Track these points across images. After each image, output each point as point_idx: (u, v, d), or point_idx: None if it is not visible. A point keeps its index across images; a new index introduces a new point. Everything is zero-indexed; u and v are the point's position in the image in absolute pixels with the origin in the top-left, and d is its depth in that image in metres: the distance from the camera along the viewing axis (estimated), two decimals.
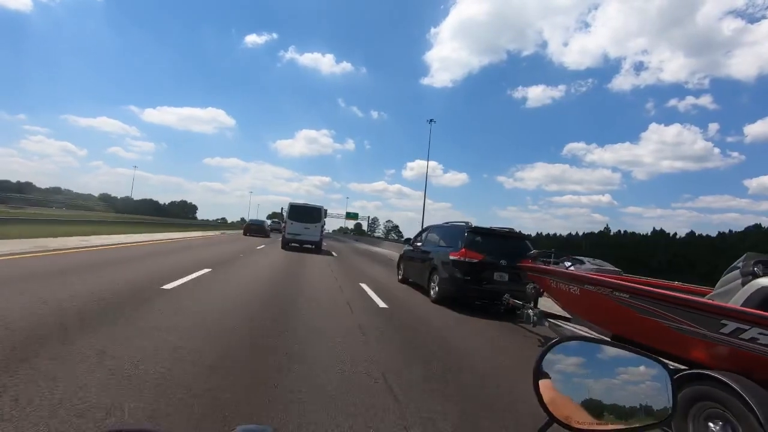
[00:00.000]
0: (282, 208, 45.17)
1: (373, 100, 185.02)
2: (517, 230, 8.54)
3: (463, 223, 8.40)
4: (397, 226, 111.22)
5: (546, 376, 0.68)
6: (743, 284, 3.10)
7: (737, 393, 2.32)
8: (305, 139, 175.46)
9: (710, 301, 3.13)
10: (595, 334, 3.64)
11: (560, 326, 5.21)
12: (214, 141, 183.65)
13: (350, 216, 79.40)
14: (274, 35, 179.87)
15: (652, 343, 3.35)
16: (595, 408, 0.66)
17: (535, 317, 5.40)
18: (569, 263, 5.72)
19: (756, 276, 3.43)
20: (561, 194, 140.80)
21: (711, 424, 2.48)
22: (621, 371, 0.71)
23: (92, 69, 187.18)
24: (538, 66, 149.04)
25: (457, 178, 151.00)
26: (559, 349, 0.70)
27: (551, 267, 5.31)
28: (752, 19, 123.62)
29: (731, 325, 2.64)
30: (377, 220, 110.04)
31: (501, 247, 7.66)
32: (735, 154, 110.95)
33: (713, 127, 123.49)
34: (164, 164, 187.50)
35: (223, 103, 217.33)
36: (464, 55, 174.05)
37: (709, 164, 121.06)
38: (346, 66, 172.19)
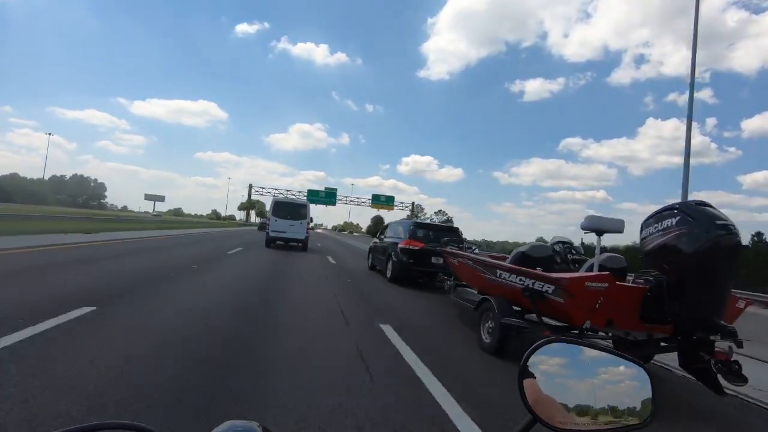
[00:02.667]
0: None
1: (368, 93, 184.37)
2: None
3: (411, 220, 11.00)
4: (450, 220, 74.36)
5: (531, 376, 0.71)
6: None
7: (491, 303, 4.61)
8: (299, 133, 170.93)
9: (493, 261, 5.43)
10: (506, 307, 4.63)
11: (461, 290, 6.65)
12: (206, 135, 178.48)
13: (380, 202, 56.80)
14: (266, 24, 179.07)
15: (479, 287, 5.68)
16: (577, 408, 0.69)
17: (449, 287, 7.08)
18: (476, 248, 8.20)
19: (554, 251, 5.79)
20: (556, 190, 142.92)
21: (488, 323, 4.63)
22: (602, 372, 0.74)
23: (77, 59, 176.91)
24: (537, 58, 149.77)
25: (452, 173, 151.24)
26: (544, 350, 0.73)
27: (450, 249, 7.03)
28: (757, 10, 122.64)
29: (499, 272, 4.82)
30: (422, 209, 75.66)
31: (438, 237, 9.16)
32: (732, 149, 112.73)
33: (711, 121, 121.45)
34: (155, 159, 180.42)
35: (215, 96, 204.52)
36: (462, 47, 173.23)
37: (705, 159, 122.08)
38: (341, 57, 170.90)
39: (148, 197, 75.68)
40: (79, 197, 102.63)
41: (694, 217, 3.33)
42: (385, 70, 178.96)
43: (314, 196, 54.38)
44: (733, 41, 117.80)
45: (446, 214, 74.58)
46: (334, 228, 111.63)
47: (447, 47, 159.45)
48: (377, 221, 76.29)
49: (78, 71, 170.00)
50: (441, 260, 9.18)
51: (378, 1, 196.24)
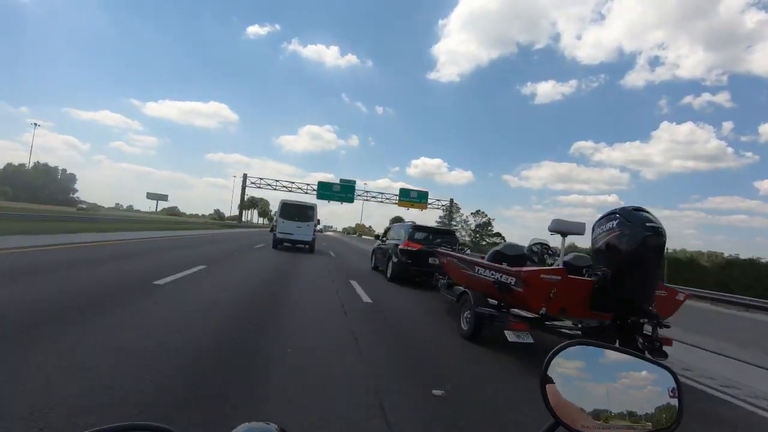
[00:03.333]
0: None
1: (378, 95, 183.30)
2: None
3: (411, 222, 10.92)
4: (489, 222, 63.81)
5: (551, 380, 0.70)
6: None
7: (469, 295, 5.28)
8: (309, 134, 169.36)
9: (473, 259, 6.11)
10: (527, 314, 5.11)
11: (451, 288, 7.11)
12: (217, 136, 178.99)
13: (409, 199, 46.36)
14: (277, 26, 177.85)
15: (462, 282, 6.19)
16: (599, 412, 0.67)
17: (441, 285, 7.63)
18: (467, 249, 8.93)
19: (531, 251, 6.46)
20: (567, 193, 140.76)
21: (466, 312, 5.26)
22: (624, 375, 0.73)
23: (92, 60, 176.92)
24: (549, 60, 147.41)
25: (462, 176, 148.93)
26: (565, 354, 0.72)
27: (441, 250, 7.73)
28: None
29: (477, 269, 5.49)
30: (459, 208, 63.66)
31: (435, 239, 9.79)
32: (749, 153, 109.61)
33: (727, 125, 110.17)
34: (167, 159, 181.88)
35: (226, 98, 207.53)
36: (473, 48, 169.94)
37: (721, 164, 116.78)
38: (351, 59, 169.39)
39: (150, 196, 70.13)
40: (44, 191, 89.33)
41: (630, 220, 3.98)
42: (395, 72, 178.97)
43: (326, 191, 44.99)
44: (752, 43, 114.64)
45: (486, 215, 62.57)
46: (345, 231, 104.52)
47: (457, 49, 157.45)
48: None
49: (92, 72, 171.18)
50: (438, 261, 9.93)
51: (389, 2, 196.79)
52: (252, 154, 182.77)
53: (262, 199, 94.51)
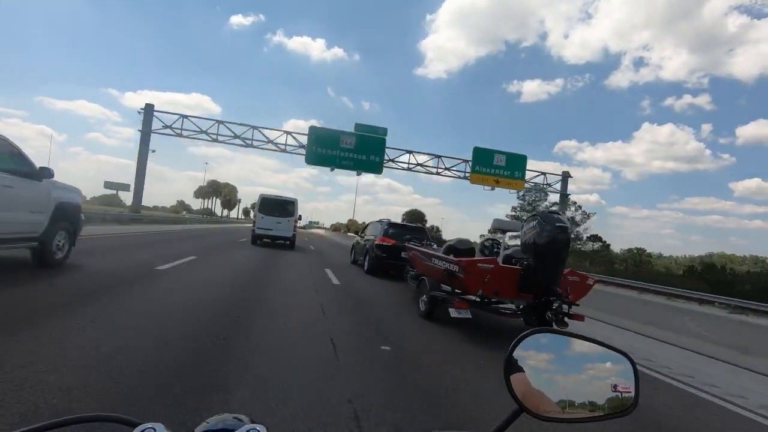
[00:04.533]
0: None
1: (365, 90, 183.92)
2: None
3: (386, 220, 11.99)
4: (587, 215, 45.15)
5: (517, 367, 0.71)
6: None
7: (425, 281, 6.30)
8: (293, 129, 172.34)
9: (430, 251, 7.08)
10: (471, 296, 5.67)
11: (419, 281, 7.79)
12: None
13: (491, 171, 25.70)
14: (261, 16, 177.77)
15: (423, 272, 6.94)
16: (562, 398, 0.70)
17: (410, 277, 8.32)
18: (434, 244, 10.06)
19: (483, 246, 7.58)
20: None
21: (423, 296, 6.22)
22: (587, 361, 0.76)
23: (67, 47, 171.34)
24: (536, 59, 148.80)
25: (447, 174, 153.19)
26: (530, 341, 0.74)
27: (409, 245, 8.59)
28: (759, 15, 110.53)
29: (433, 259, 6.40)
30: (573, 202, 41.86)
31: (406, 235, 10.81)
32: (725, 155, 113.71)
33: (706, 128, 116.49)
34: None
35: (209, 89, 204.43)
36: (461, 45, 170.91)
37: (699, 165, 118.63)
38: (338, 52, 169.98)
39: (108, 185, 51.30)
40: None
41: (545, 220, 5.09)
42: (382, 67, 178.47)
43: (367, 132, 25.41)
44: (733, 46, 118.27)
45: (587, 216, 45.07)
46: (333, 228, 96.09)
47: (445, 45, 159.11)
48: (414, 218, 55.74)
49: (67, 60, 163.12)
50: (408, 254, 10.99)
51: None
52: (235, 148, 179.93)
53: (226, 185, 76.39)
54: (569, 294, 5.34)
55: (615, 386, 0.74)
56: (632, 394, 0.74)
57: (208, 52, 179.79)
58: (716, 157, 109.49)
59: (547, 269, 5.01)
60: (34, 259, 5.74)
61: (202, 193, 72.72)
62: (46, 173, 5.58)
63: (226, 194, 77.64)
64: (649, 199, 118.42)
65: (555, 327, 5.15)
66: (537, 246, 4.99)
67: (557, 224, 4.95)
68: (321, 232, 70.57)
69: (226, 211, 79.20)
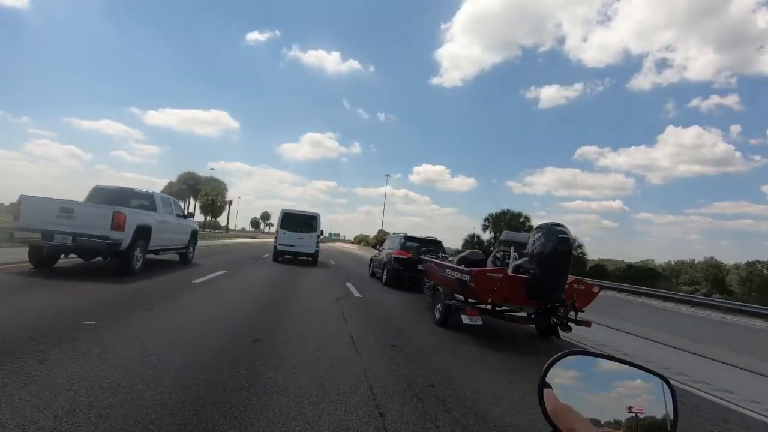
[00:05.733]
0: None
1: (380, 101, 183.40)
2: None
3: (403, 233, 12.63)
4: None
5: (550, 387, 0.72)
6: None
7: (440, 291, 6.65)
8: (310, 142, 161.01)
9: (444, 263, 7.65)
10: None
11: (435, 291, 7.82)
12: (218, 144, 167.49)
13: None
14: (277, 32, 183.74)
15: (438, 282, 7.29)
16: (597, 422, 0.69)
17: (427, 288, 8.64)
18: (451, 257, 10.53)
19: (495, 257, 8.04)
20: (570, 200, 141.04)
21: (439, 305, 6.62)
22: (619, 384, 0.75)
23: (91, 69, 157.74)
24: (554, 63, 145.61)
25: (465, 183, 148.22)
26: (562, 363, 0.75)
27: (426, 257, 9.15)
28: None
29: (447, 270, 6.94)
30: None
31: (423, 248, 11.34)
32: (757, 157, 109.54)
33: (735, 129, 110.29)
34: (169, 169, 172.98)
35: (227, 105, 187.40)
36: (476, 52, 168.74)
37: (729, 168, 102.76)
38: (353, 64, 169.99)
39: None
40: None
41: (548, 231, 5.55)
42: (397, 78, 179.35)
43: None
44: (764, 43, 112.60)
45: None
46: (359, 240, 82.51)
47: (460, 53, 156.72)
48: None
49: (92, 82, 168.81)
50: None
51: (390, 7, 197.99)
52: (253, 162, 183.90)
53: (211, 180, 61.73)
54: (575, 301, 5.75)
55: (630, 408, 0.72)
56: (669, 417, 0.73)
57: (225, 69, 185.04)
58: (747, 159, 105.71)
59: (551, 277, 5.45)
60: (181, 259, 11.52)
61: (172, 191, 50.26)
62: (190, 216, 12.27)
63: (208, 193, 51.94)
64: (675, 204, 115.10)
65: (560, 331, 5.58)
66: (541, 256, 5.43)
67: (560, 236, 5.40)
68: (347, 246, 60.41)
69: (209, 218, 61.27)
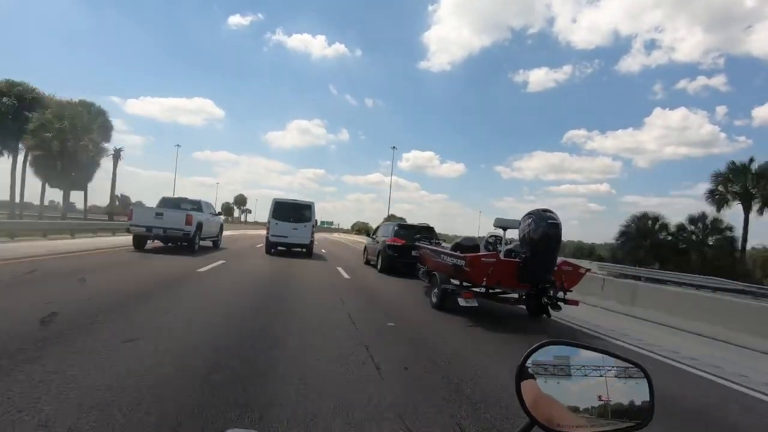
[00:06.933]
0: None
1: (368, 87, 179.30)
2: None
3: (396, 222, 13.83)
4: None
5: (530, 377, 0.73)
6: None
7: (436, 276, 6.91)
8: (297, 129, 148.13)
9: (439, 249, 7.89)
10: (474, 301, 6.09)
11: (430, 276, 8.01)
12: (203, 133, 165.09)
13: None
14: (260, 15, 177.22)
15: (433, 268, 7.50)
16: (575, 410, 0.71)
17: (421, 273, 8.94)
18: (443, 242, 10.90)
19: (487, 242, 8.39)
20: (558, 184, 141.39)
21: (435, 289, 6.88)
22: (599, 373, 0.76)
23: (66, 55, 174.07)
24: (543, 45, 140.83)
25: (454, 168, 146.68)
26: (543, 352, 0.75)
27: (419, 244, 9.38)
28: None
29: (442, 256, 7.11)
30: None
31: (416, 234, 11.58)
32: (741, 138, 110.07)
33: (721, 110, 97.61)
34: (153, 159, 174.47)
35: (210, 93, 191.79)
36: (465, 34, 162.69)
37: (714, 149, 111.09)
38: (339, 48, 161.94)
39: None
40: None
41: (538, 217, 5.87)
42: (384, 62, 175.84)
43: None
44: (751, 23, 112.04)
45: None
46: (358, 229, 73.76)
47: (449, 35, 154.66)
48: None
49: (68, 68, 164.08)
50: (419, 253, 11.79)
51: None
52: (240, 151, 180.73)
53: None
54: (564, 282, 6.11)
55: (599, 396, 0.74)
56: (647, 404, 0.75)
57: (208, 55, 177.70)
58: (732, 140, 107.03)
59: (541, 260, 5.78)
60: (213, 245, 15.32)
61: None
62: (219, 214, 16.64)
63: (47, 126, 27.95)
64: (661, 186, 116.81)
65: (550, 311, 5.95)
66: (532, 240, 5.75)
67: (549, 221, 5.72)
68: (343, 237, 50.78)
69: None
